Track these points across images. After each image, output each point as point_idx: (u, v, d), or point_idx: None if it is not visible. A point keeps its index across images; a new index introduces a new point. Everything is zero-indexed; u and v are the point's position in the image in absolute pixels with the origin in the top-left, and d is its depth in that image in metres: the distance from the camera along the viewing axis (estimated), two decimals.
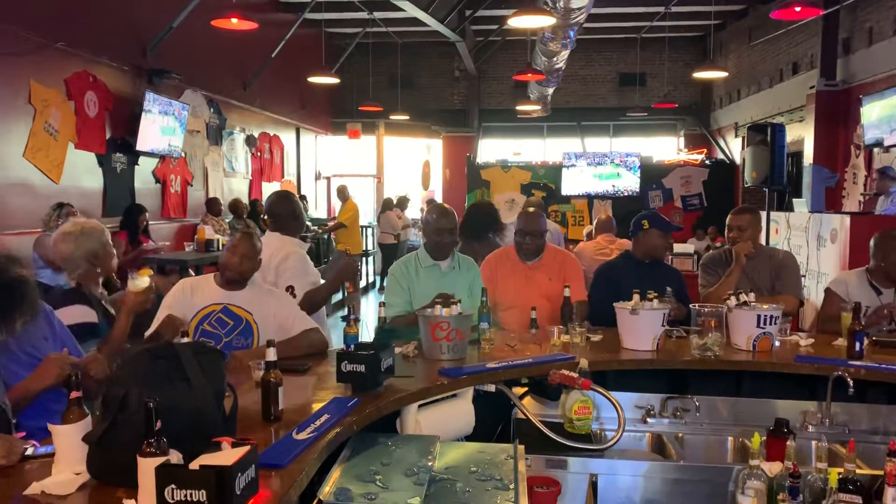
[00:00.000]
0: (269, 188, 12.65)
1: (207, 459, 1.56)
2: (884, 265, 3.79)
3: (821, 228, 6.46)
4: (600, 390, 2.76)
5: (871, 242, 3.88)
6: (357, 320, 3.10)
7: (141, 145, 8.31)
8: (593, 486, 2.56)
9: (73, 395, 1.86)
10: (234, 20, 7.05)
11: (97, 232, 3.13)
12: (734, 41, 13.99)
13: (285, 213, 3.97)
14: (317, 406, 2.38)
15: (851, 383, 2.83)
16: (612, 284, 3.87)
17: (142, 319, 3.08)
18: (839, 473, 2.27)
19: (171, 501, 1.48)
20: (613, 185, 12.87)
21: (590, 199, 12.86)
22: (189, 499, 1.48)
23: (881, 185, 7.57)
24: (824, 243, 6.37)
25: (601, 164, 12.91)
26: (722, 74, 11.38)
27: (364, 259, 11.95)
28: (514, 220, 4.21)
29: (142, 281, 2.93)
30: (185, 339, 2.44)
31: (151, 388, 1.75)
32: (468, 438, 2.82)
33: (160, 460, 1.55)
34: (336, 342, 3.59)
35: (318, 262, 11.44)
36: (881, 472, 2.20)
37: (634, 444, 2.99)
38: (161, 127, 8.69)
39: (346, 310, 3.20)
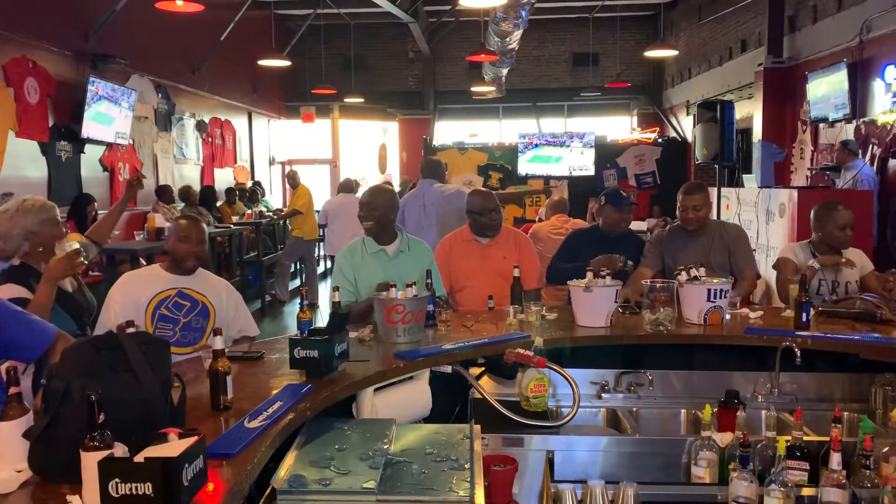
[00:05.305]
0: (221, 174, 12.43)
1: (153, 451, 1.53)
2: (821, 235, 3.92)
3: (770, 203, 6.60)
4: (555, 367, 2.77)
5: (812, 214, 4.01)
6: (311, 306, 3.09)
7: (86, 133, 8.07)
8: (550, 462, 2.58)
9: (13, 390, 1.80)
10: (179, 2, 6.85)
11: (35, 209, 3.06)
12: (685, 20, 14.14)
13: None
14: (270, 393, 2.35)
15: (798, 353, 2.90)
16: (574, 251, 4.21)
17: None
18: (787, 441, 2.33)
19: (116, 496, 1.44)
20: (569, 166, 12.96)
21: (546, 179, 12.92)
22: (134, 492, 1.44)
23: (841, 156, 7.72)
24: (773, 217, 6.51)
25: (556, 144, 12.98)
26: (673, 53, 11.50)
27: (322, 244, 11.86)
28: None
29: (69, 245, 2.87)
30: (132, 330, 2.37)
31: (94, 381, 1.69)
32: (426, 420, 2.82)
33: (104, 454, 1.50)
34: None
35: (274, 248, 11.31)
36: (827, 439, 2.26)
37: (590, 420, 3.02)
38: (107, 113, 8.45)
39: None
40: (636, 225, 9.20)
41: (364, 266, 3.60)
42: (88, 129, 8.08)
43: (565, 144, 12.91)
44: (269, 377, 2.60)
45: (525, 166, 12.93)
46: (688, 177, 12.58)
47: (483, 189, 4.31)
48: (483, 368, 3.10)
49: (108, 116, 8.52)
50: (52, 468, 1.69)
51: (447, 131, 16.41)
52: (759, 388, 3.07)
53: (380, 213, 3.61)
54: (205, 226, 3.39)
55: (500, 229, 4.18)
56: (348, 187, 9.62)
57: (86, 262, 3.06)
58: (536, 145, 13.01)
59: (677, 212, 4.08)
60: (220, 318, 3.24)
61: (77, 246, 2.92)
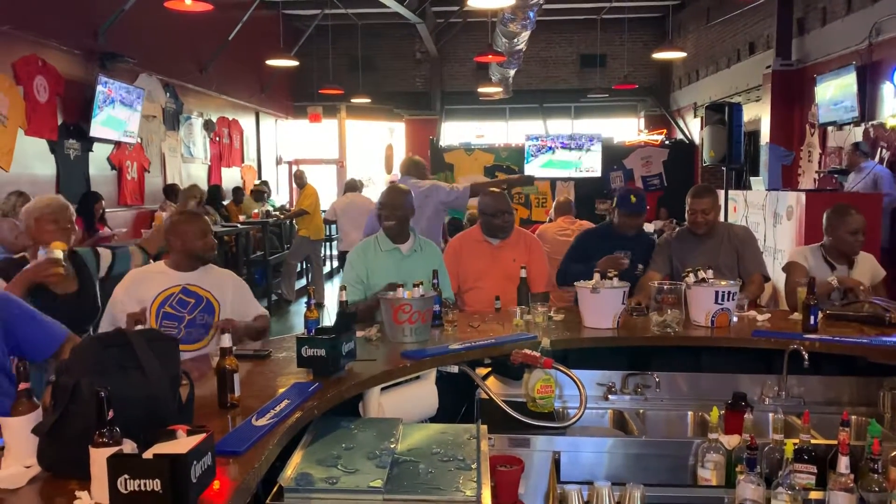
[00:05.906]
0: (228, 174, 12.47)
1: (162, 448, 1.53)
2: (832, 239, 3.89)
3: (777, 206, 6.58)
4: (562, 369, 2.77)
5: (824, 218, 3.97)
6: (318, 305, 3.10)
7: (94, 131, 8.11)
8: (556, 463, 2.58)
9: (22, 386, 1.81)
10: (188, 1, 6.86)
11: (43, 204, 3.23)
12: (693, 22, 14.11)
13: None
14: (277, 392, 2.35)
15: (806, 356, 2.88)
16: (584, 251, 4.20)
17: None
18: (795, 444, 2.32)
19: (125, 492, 1.44)
20: (576, 167, 12.91)
21: (552, 180, 12.90)
22: (143, 488, 1.44)
23: (852, 159, 7.68)
24: (780, 220, 6.49)
25: (573, 147, 12.91)
26: (680, 55, 11.46)
27: (328, 244, 11.89)
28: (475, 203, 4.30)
29: (53, 253, 2.88)
30: (141, 327, 2.38)
31: (103, 377, 1.70)
32: (432, 420, 2.82)
33: (113, 450, 1.51)
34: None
35: (281, 247, 11.33)
36: (835, 442, 2.25)
37: (596, 421, 3.01)
38: (118, 117, 8.47)
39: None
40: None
41: (377, 263, 3.62)
42: (97, 128, 8.11)
43: (583, 148, 12.74)
44: (277, 375, 2.61)
45: (538, 171, 12.83)
46: (695, 179, 12.53)
47: (495, 190, 4.30)
48: (490, 369, 3.10)
49: (120, 121, 8.56)
50: (60, 464, 1.70)
51: (454, 132, 16.40)
52: (767, 390, 3.06)
53: (401, 214, 3.67)
54: (205, 216, 3.45)
55: (512, 231, 4.17)
56: (353, 187, 10.28)
57: (68, 272, 3.02)
58: (550, 148, 12.87)
59: (686, 215, 4.07)
60: (227, 310, 3.22)
61: (58, 255, 2.92)
